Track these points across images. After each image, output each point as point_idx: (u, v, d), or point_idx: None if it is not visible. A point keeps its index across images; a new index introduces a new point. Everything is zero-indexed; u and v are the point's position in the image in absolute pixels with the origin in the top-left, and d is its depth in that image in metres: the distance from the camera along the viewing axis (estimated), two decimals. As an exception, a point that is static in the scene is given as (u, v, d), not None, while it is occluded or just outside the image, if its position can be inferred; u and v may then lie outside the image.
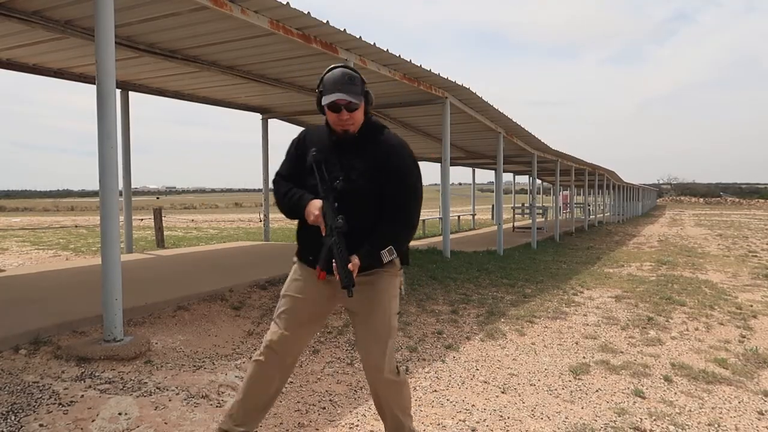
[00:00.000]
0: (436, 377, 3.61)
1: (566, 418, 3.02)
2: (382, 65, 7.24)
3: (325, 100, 2.21)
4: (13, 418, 2.70)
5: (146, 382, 3.22)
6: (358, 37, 6.15)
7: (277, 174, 2.44)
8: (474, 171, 21.26)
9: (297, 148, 2.40)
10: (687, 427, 2.93)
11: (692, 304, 6.14)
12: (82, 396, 2.97)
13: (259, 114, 11.42)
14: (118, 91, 8.48)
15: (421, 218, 2.55)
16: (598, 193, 26.86)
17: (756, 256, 11.56)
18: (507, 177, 26.45)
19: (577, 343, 4.48)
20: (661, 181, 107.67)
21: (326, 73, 2.26)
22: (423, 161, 16.73)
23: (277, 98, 10.20)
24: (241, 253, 9.10)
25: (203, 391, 3.16)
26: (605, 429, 2.89)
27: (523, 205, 21.14)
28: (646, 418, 3.02)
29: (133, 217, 10.21)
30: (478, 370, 3.80)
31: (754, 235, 18.03)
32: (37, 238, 15.42)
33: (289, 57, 7.24)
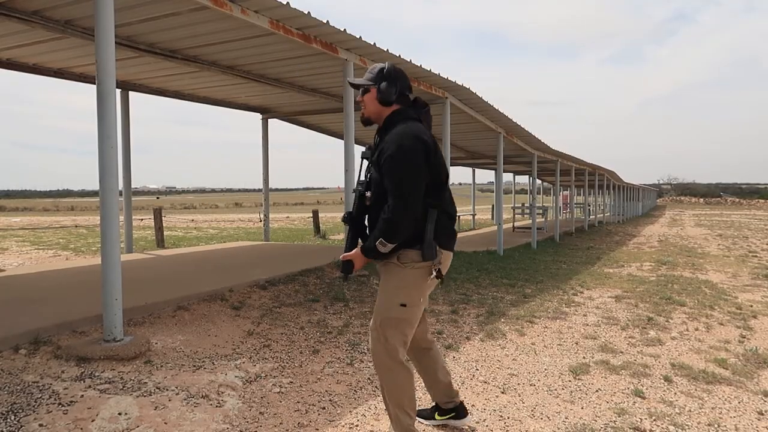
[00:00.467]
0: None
1: (566, 418, 3.02)
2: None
3: None
4: (13, 417, 2.70)
5: (146, 382, 3.22)
6: (358, 37, 6.15)
7: None
8: (474, 171, 21.26)
9: None
10: (687, 427, 2.93)
11: (692, 304, 6.14)
12: (82, 396, 2.97)
13: (259, 114, 11.42)
14: (118, 91, 8.48)
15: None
16: (598, 193, 26.86)
17: (756, 256, 11.56)
18: (507, 177, 26.47)
19: (577, 343, 4.48)
20: (661, 181, 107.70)
21: None
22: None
23: (277, 98, 10.20)
24: (241, 253, 9.10)
25: (203, 391, 3.16)
26: (605, 429, 2.89)
27: (523, 205, 21.13)
28: (646, 418, 3.02)
29: (133, 217, 10.21)
30: (477, 370, 3.80)
31: (754, 235, 18.03)
32: (37, 238, 15.42)
33: (289, 57, 7.24)
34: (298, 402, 3.16)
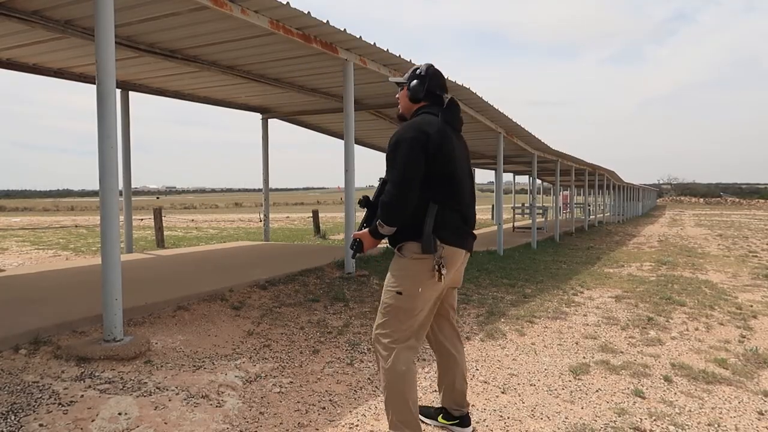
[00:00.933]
0: (436, 377, 3.60)
1: (566, 418, 3.02)
2: (382, 65, 7.24)
3: None
4: (12, 417, 2.70)
5: (146, 382, 3.22)
6: (358, 37, 6.15)
7: None
8: (474, 171, 21.25)
9: None
10: (687, 427, 2.93)
11: (692, 304, 6.14)
12: (82, 396, 2.97)
13: (259, 114, 11.42)
14: (118, 91, 8.48)
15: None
16: (598, 193, 26.85)
17: (756, 256, 11.56)
18: (507, 177, 26.47)
19: (577, 343, 4.48)
20: (661, 181, 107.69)
21: None
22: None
23: (277, 98, 10.21)
24: (241, 253, 9.10)
25: (203, 391, 3.16)
26: (605, 429, 2.89)
27: (523, 205, 21.13)
28: (646, 418, 3.02)
29: (133, 217, 10.21)
30: (477, 370, 3.80)
31: (754, 235, 18.03)
32: (37, 237, 15.42)
33: (289, 57, 7.24)
34: (298, 402, 3.16)
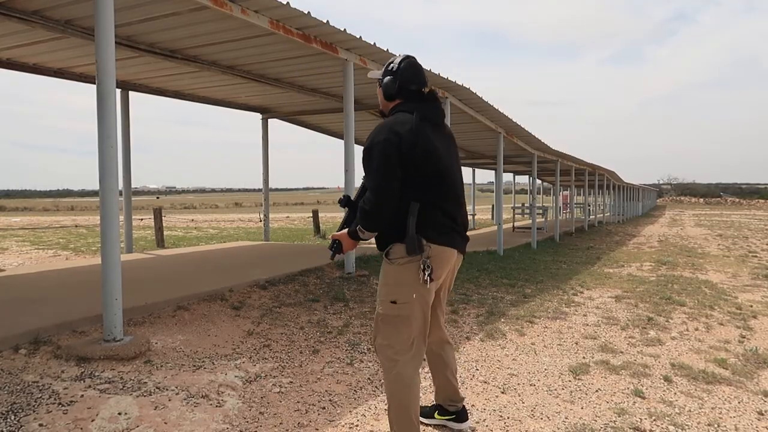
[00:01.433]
0: (431, 374, 3.60)
1: (566, 418, 3.02)
2: (382, 65, 7.22)
3: None
4: (12, 417, 2.70)
5: (146, 382, 3.22)
6: (358, 37, 6.15)
7: None
8: (474, 171, 21.26)
9: None
10: (687, 427, 2.93)
11: (692, 304, 6.14)
12: (82, 396, 2.97)
13: (259, 114, 11.42)
14: (118, 91, 8.48)
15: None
16: (598, 193, 26.85)
17: (756, 256, 11.56)
18: (507, 177, 26.47)
19: (576, 343, 4.48)
20: (661, 182, 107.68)
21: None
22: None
23: (277, 98, 10.21)
24: (241, 253, 9.10)
25: (203, 391, 3.16)
26: (605, 429, 2.89)
27: (523, 205, 21.13)
28: (645, 418, 3.02)
29: (133, 217, 10.21)
30: (477, 370, 3.80)
31: (754, 235, 18.03)
32: (37, 237, 15.42)
33: (289, 57, 7.24)
34: (298, 402, 3.16)
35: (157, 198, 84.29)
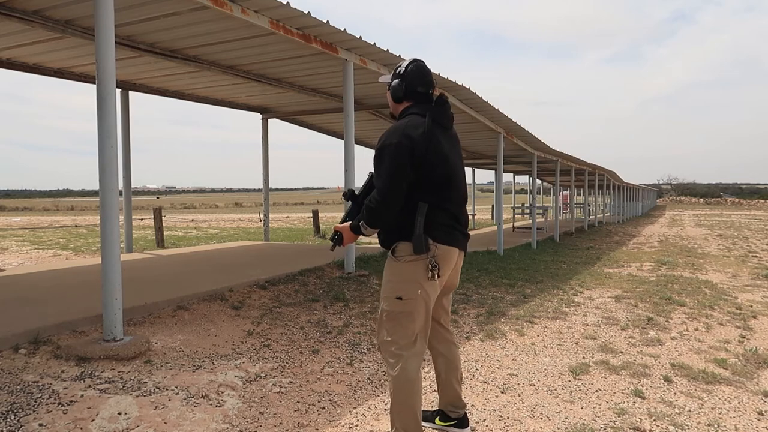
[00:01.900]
0: (435, 377, 3.61)
1: (566, 418, 3.02)
2: (382, 65, 7.24)
3: None
4: (12, 417, 2.70)
5: (146, 382, 3.22)
6: (358, 37, 6.15)
7: None
8: (474, 171, 21.27)
9: None
10: (686, 427, 2.93)
11: (692, 304, 6.14)
12: (82, 395, 2.97)
13: (259, 114, 11.42)
14: (118, 91, 8.48)
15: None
16: (598, 194, 26.85)
17: (756, 256, 11.56)
18: (507, 177, 26.47)
19: (576, 344, 4.48)
20: (661, 182, 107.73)
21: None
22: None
23: (277, 98, 10.21)
24: (241, 252, 9.10)
25: (203, 391, 3.16)
26: (605, 429, 2.89)
27: (523, 205, 21.13)
28: (645, 419, 3.02)
29: (133, 217, 10.21)
30: (477, 370, 3.80)
31: (754, 235, 18.03)
32: (37, 237, 15.42)
33: (289, 57, 7.24)
34: (298, 402, 3.16)
35: (157, 198, 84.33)
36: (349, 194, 2.62)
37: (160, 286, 5.58)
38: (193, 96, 9.80)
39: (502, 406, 3.18)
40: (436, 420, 2.84)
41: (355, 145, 7.03)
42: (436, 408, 2.89)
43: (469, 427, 2.83)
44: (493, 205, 25.35)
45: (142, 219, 19.95)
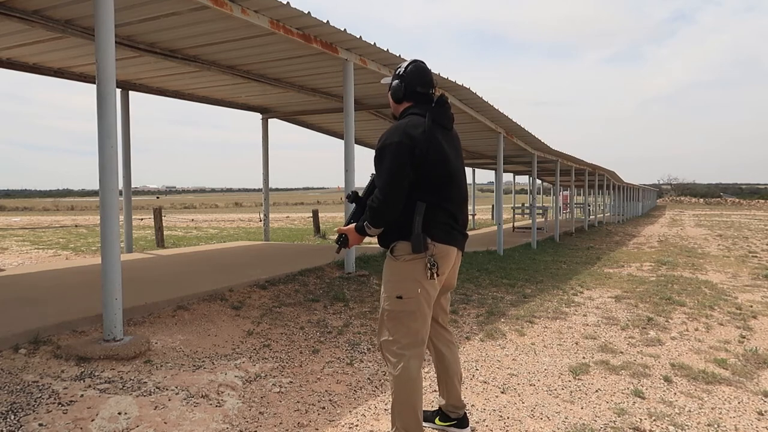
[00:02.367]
0: (435, 377, 3.60)
1: (566, 418, 3.02)
2: (382, 65, 7.24)
3: None
4: (12, 417, 2.70)
5: (146, 382, 3.22)
6: (358, 37, 6.15)
7: None
8: (474, 171, 21.27)
9: None
10: (686, 427, 2.93)
11: (692, 304, 6.14)
12: (82, 395, 2.97)
13: (259, 114, 11.42)
14: (118, 91, 8.48)
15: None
16: (598, 194, 26.85)
17: (756, 256, 11.56)
18: (507, 177, 26.47)
19: (576, 344, 4.48)
20: (661, 182, 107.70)
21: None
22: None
23: (277, 98, 10.21)
24: (241, 252, 9.10)
25: (203, 391, 3.16)
26: (605, 429, 2.89)
27: (523, 205, 21.13)
28: (645, 419, 3.02)
29: (133, 217, 10.21)
30: (477, 370, 3.80)
31: (754, 235, 18.03)
32: (37, 237, 15.42)
33: (289, 57, 7.24)
34: (298, 402, 3.16)
35: (157, 198, 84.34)
36: (353, 196, 2.63)
37: (160, 286, 5.58)
38: (193, 96, 9.80)
39: (502, 406, 3.18)
40: (436, 420, 2.84)
41: (355, 145, 7.03)
42: (436, 408, 2.89)
43: (469, 427, 2.83)
44: (493, 205, 25.36)
45: (142, 219, 19.95)
